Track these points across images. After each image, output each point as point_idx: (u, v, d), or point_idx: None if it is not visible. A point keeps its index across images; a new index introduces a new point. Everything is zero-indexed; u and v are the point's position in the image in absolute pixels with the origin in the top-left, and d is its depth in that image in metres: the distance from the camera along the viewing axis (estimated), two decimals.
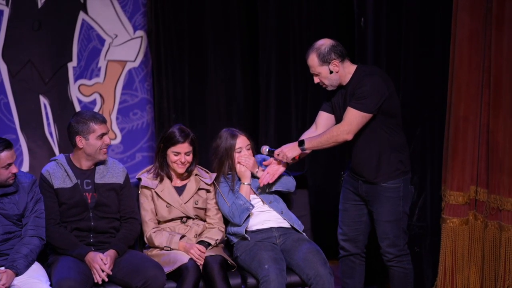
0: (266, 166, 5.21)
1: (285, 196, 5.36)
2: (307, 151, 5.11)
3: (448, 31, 5.54)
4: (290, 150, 5.08)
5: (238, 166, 5.17)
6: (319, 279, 4.87)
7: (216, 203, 5.20)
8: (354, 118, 4.87)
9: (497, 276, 5.42)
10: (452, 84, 5.50)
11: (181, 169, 5.11)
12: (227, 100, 7.17)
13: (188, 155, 5.10)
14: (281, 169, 5.16)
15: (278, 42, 6.89)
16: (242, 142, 5.19)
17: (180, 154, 5.07)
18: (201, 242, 5.02)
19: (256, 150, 5.32)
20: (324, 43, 4.96)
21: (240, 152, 5.18)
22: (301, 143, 5.05)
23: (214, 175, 5.20)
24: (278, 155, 5.11)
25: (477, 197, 5.53)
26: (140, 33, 7.27)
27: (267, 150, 5.21)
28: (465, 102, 5.46)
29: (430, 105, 5.75)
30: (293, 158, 5.10)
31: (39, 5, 7.03)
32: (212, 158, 5.22)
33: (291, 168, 5.38)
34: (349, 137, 4.91)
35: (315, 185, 6.69)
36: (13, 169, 4.71)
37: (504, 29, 5.26)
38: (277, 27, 6.88)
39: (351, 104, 4.87)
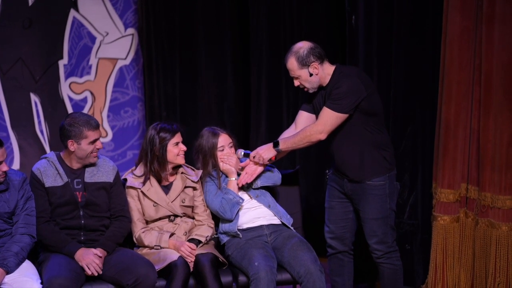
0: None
1: (276, 193, 5.36)
2: (284, 152, 5.12)
3: (439, 29, 5.55)
4: (266, 152, 5.08)
5: (221, 165, 5.17)
6: (310, 277, 4.88)
7: (204, 200, 5.19)
8: (329, 118, 4.88)
9: (487, 274, 5.43)
10: (443, 82, 5.51)
11: (183, 159, 5.10)
12: (219, 98, 7.16)
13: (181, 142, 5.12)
14: (260, 168, 5.16)
15: (269, 41, 6.88)
16: (224, 140, 5.18)
17: (179, 143, 5.07)
18: (191, 240, 5.01)
19: (239, 147, 5.31)
20: (303, 46, 4.95)
21: (222, 150, 5.17)
22: (276, 144, 5.06)
23: (200, 172, 5.18)
24: (254, 157, 5.12)
25: (468, 194, 5.54)
26: (131, 30, 7.26)
27: (242, 153, 5.21)
28: (455, 100, 5.46)
29: (421, 103, 5.76)
30: (270, 159, 5.10)
31: (30, 3, 7.01)
32: (195, 157, 5.21)
33: (283, 165, 5.37)
34: (323, 136, 4.92)
35: (306, 183, 6.69)
36: (4, 167, 4.70)
37: (494, 26, 5.27)
38: (268, 26, 6.87)
39: (326, 104, 4.89)
